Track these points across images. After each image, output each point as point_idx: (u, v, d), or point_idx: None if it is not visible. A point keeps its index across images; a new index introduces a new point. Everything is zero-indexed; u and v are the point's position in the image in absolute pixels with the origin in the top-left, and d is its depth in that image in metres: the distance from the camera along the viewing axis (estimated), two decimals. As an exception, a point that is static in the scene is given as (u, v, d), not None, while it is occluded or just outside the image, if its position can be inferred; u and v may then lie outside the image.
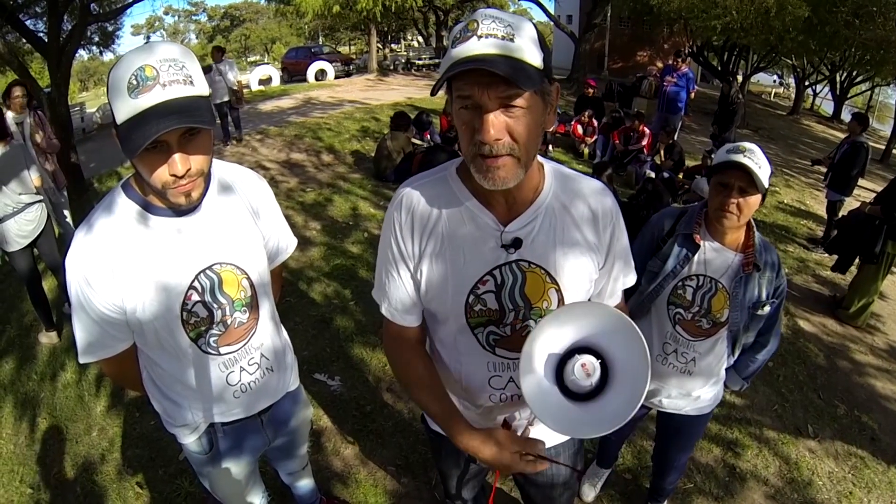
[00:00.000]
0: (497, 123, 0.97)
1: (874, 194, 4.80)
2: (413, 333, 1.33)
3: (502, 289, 1.19)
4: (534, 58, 0.97)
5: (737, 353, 2.00)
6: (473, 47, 0.94)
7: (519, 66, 0.93)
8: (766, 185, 1.72)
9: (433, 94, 1.01)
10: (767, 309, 1.86)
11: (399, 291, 1.26)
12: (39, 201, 3.66)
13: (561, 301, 1.22)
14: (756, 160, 1.68)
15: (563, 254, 1.19)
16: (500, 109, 0.97)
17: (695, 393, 2.01)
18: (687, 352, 1.93)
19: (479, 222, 1.17)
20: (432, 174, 1.25)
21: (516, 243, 1.16)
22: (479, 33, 0.94)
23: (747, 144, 1.73)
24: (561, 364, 1.13)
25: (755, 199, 1.72)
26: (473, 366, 1.28)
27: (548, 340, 1.10)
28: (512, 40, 0.95)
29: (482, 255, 1.17)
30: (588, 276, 1.24)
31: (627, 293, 1.94)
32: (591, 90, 10.16)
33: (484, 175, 1.03)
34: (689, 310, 1.87)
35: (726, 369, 2.06)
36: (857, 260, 4.80)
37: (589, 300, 1.31)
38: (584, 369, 1.08)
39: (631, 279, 1.37)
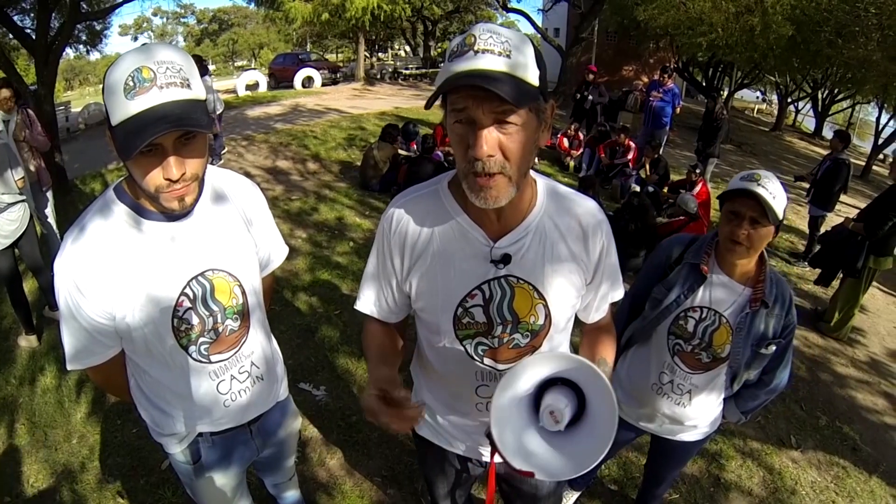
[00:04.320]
0: (490, 139, 0.96)
1: (856, 210, 4.89)
2: (389, 326, 1.40)
3: (490, 303, 1.20)
4: (530, 75, 0.97)
5: (735, 388, 1.89)
6: (470, 62, 0.94)
7: (514, 83, 0.94)
8: (781, 217, 1.63)
9: (427, 107, 1.02)
10: (772, 348, 1.76)
11: (381, 299, 1.33)
12: (22, 201, 3.59)
13: (548, 316, 1.23)
14: (770, 190, 1.60)
15: (552, 271, 1.20)
16: (494, 125, 0.97)
17: (689, 422, 1.94)
18: (683, 384, 1.86)
19: (469, 238, 1.18)
20: (424, 188, 1.26)
21: (505, 259, 1.17)
22: (476, 48, 0.94)
23: (762, 172, 1.65)
24: (539, 393, 1.11)
25: (767, 231, 1.63)
26: (462, 375, 1.30)
27: (519, 386, 1.08)
28: (509, 56, 0.95)
29: (471, 270, 1.19)
30: (575, 292, 1.26)
31: (632, 317, 1.94)
32: (592, 76, 10.17)
33: (476, 194, 1.03)
34: (690, 342, 1.80)
35: (725, 399, 1.97)
36: (839, 274, 4.88)
37: (570, 322, 1.33)
38: (553, 417, 1.06)
39: (618, 294, 1.38)
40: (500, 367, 1.27)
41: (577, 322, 1.39)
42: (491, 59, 0.94)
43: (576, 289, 1.25)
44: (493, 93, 0.91)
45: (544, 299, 1.22)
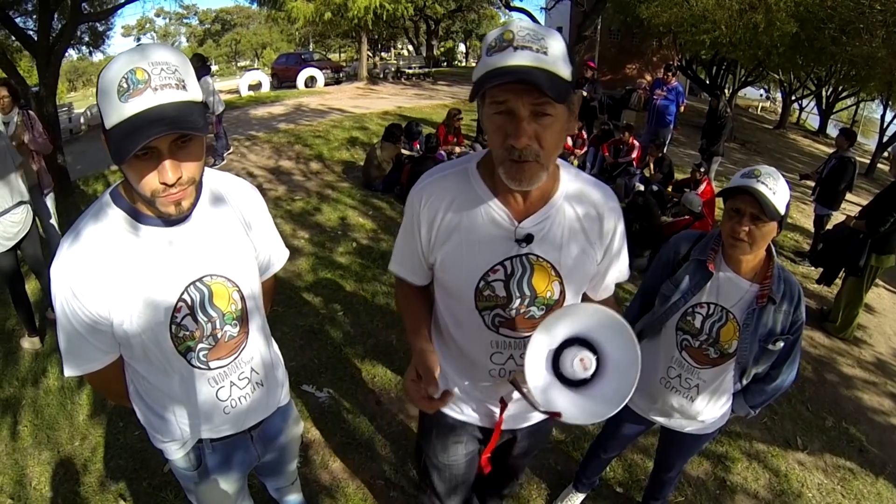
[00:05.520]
0: (528, 130, 1.06)
1: (860, 208, 4.85)
2: (419, 288, 1.52)
3: (511, 278, 1.30)
4: (563, 70, 1.05)
5: (744, 383, 1.90)
6: (510, 58, 1.02)
7: (551, 79, 1.01)
8: (783, 213, 1.62)
9: (471, 99, 1.09)
10: (780, 345, 1.76)
11: (409, 265, 1.45)
12: (25, 203, 3.59)
13: (563, 293, 1.34)
14: (770, 185, 1.59)
15: (569, 251, 1.31)
16: (531, 117, 1.05)
17: (697, 416, 1.96)
18: (691, 378, 1.88)
19: (495, 217, 1.27)
20: (453, 167, 1.35)
21: (528, 239, 1.26)
22: (515, 44, 1.02)
23: (763, 168, 1.65)
24: (557, 353, 1.23)
25: (769, 228, 1.63)
26: (478, 342, 1.40)
27: (550, 336, 1.20)
28: (546, 53, 1.03)
29: (495, 247, 1.28)
30: (589, 271, 1.37)
31: (642, 312, 2.02)
32: (590, 72, 10.12)
33: (511, 177, 1.12)
34: (697, 337, 1.82)
35: (734, 394, 1.97)
36: (841, 272, 4.85)
37: (584, 299, 1.46)
38: (582, 364, 1.18)
39: (624, 275, 1.48)
40: (515, 335, 1.37)
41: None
42: (530, 56, 1.02)
43: (588, 268, 1.36)
44: (532, 87, 0.99)
45: (560, 276, 1.32)
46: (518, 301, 1.32)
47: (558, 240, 1.29)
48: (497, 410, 1.51)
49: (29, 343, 3.80)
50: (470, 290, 1.32)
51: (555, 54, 1.03)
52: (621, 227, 1.38)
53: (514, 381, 1.33)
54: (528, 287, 1.31)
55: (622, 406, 1.16)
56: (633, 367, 1.16)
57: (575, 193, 1.31)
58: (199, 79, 4.96)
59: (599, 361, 1.20)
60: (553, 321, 1.18)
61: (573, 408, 1.19)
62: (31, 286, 4.16)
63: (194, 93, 1.07)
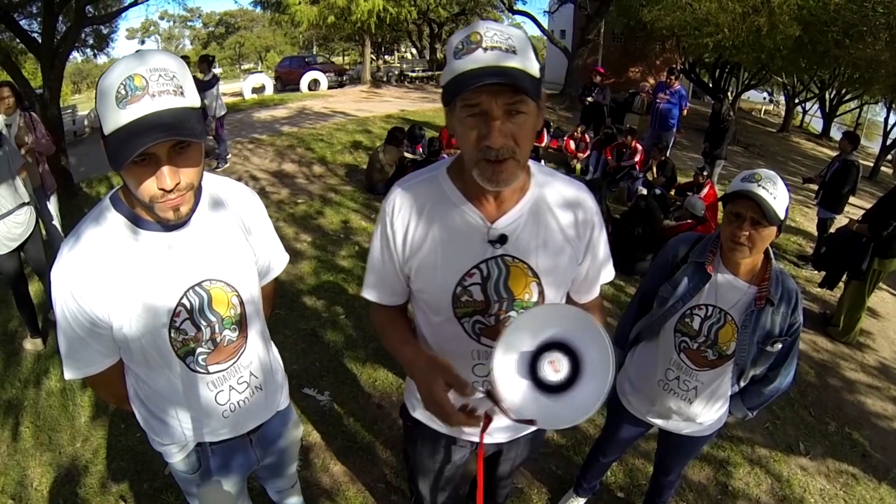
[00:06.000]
0: (504, 130, 1.04)
1: (863, 212, 4.84)
2: (397, 308, 1.45)
3: (488, 281, 1.27)
4: (533, 67, 1.05)
5: (742, 385, 1.90)
6: (482, 59, 1.00)
7: (525, 77, 1.01)
8: (783, 217, 1.62)
9: (446, 104, 1.07)
10: (778, 346, 1.76)
11: (386, 283, 1.38)
12: (28, 204, 3.61)
13: (541, 293, 1.31)
14: (770, 190, 1.59)
15: (545, 250, 1.28)
16: (505, 116, 1.04)
17: (697, 419, 1.97)
18: (689, 380, 1.87)
19: (468, 220, 1.24)
20: (423, 174, 1.33)
21: (502, 239, 1.24)
22: (484, 45, 1.01)
23: (763, 171, 1.64)
24: (535, 358, 1.19)
25: (769, 232, 1.63)
26: (459, 354, 1.34)
27: (520, 339, 1.16)
28: (515, 52, 1.02)
29: (470, 250, 1.25)
30: (568, 271, 1.34)
31: (640, 314, 2.00)
32: (599, 77, 10.14)
33: (488, 178, 1.09)
34: (696, 339, 1.82)
35: (731, 396, 1.97)
36: (844, 276, 4.83)
37: (562, 301, 1.41)
38: (553, 366, 1.15)
39: (609, 275, 1.45)
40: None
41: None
42: (501, 56, 1.01)
43: (568, 268, 1.33)
44: (506, 87, 0.99)
45: (538, 277, 1.29)
46: (496, 305, 1.28)
47: (533, 239, 1.26)
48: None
49: (31, 344, 3.82)
50: (447, 296, 1.28)
51: (524, 52, 1.03)
52: (599, 223, 1.35)
53: (489, 393, 1.29)
54: (505, 289, 1.27)
55: (597, 408, 1.11)
56: (606, 367, 1.12)
57: (548, 191, 1.28)
58: (211, 87, 5.02)
59: (580, 363, 1.16)
60: (516, 325, 1.14)
61: (548, 414, 1.15)
62: (33, 288, 4.17)
63: (192, 99, 1.07)
